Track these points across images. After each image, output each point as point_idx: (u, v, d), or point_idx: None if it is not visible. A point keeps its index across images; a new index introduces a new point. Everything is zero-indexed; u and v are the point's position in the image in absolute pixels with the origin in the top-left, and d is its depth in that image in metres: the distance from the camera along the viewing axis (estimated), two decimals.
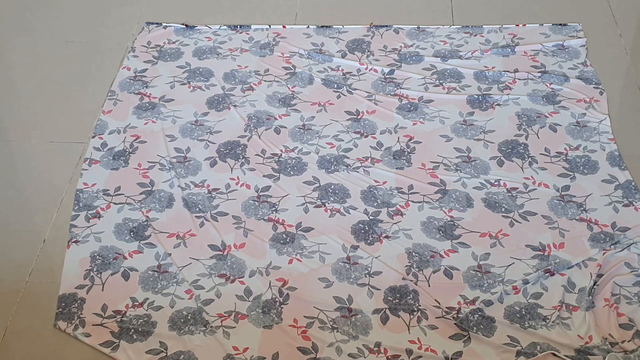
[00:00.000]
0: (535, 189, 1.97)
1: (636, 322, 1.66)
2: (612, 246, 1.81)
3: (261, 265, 1.82)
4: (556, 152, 2.07)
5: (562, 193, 1.96)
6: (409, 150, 2.10)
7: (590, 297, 1.71)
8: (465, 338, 1.66)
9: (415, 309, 1.71)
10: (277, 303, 1.74)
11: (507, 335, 1.66)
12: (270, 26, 2.57)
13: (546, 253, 1.81)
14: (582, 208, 1.92)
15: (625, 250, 1.80)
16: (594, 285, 1.73)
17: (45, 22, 2.62)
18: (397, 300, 1.73)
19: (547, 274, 1.76)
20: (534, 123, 2.16)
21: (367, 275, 1.78)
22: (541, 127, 2.15)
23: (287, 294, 1.76)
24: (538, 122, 2.17)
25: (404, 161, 2.07)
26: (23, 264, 1.85)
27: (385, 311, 1.71)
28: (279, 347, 1.65)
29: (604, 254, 1.79)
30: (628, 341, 1.62)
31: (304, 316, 1.71)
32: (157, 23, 2.61)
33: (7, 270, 1.84)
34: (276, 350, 1.65)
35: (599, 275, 1.75)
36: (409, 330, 1.67)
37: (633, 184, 1.97)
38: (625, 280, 1.73)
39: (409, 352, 1.63)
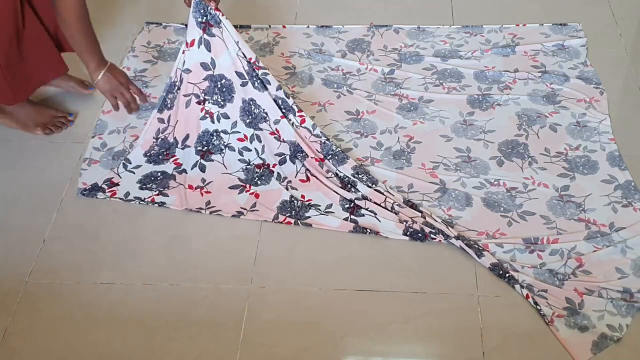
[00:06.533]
0: (535, 189, 1.97)
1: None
2: (604, 246, 1.81)
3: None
4: (556, 152, 2.07)
5: (562, 193, 1.96)
6: (409, 150, 2.10)
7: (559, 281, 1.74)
8: None
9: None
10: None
11: None
12: (270, 26, 2.58)
13: (538, 243, 1.84)
14: (580, 208, 1.92)
15: (620, 253, 1.80)
16: (569, 274, 1.76)
17: None
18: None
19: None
20: (534, 123, 2.16)
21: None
22: (541, 127, 2.15)
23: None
24: (538, 122, 2.17)
25: (404, 161, 2.07)
26: (23, 264, 1.86)
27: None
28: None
29: (594, 251, 1.80)
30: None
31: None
32: (157, 23, 2.61)
33: (7, 270, 1.85)
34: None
35: (583, 270, 1.77)
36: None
37: (633, 184, 1.97)
38: (613, 293, 1.72)
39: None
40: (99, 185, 2.01)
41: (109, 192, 2.00)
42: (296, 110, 2.02)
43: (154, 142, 2.06)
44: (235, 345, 1.66)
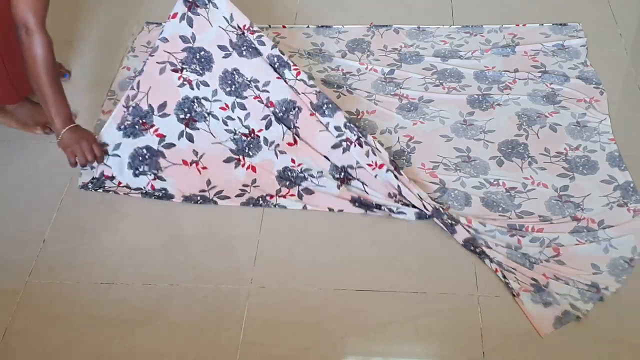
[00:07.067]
0: (534, 189, 1.97)
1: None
2: (587, 241, 1.83)
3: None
4: (556, 152, 2.07)
5: (561, 193, 1.96)
6: (409, 150, 2.10)
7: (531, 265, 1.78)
8: None
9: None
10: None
11: None
12: (270, 26, 2.57)
13: (522, 230, 1.87)
14: (579, 208, 1.92)
15: (602, 251, 1.81)
16: (542, 259, 1.79)
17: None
18: None
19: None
20: (534, 123, 2.16)
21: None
22: (541, 127, 2.15)
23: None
24: (538, 122, 2.17)
25: (404, 161, 2.07)
26: (23, 264, 1.86)
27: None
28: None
29: (575, 244, 1.82)
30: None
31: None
32: (157, 23, 2.61)
33: (7, 270, 1.85)
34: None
35: (557, 260, 1.79)
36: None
37: (632, 185, 1.97)
38: (581, 285, 1.74)
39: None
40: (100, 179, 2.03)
41: (116, 180, 2.02)
42: (291, 64, 2.05)
43: (124, 111, 2.03)
44: (235, 345, 1.66)
